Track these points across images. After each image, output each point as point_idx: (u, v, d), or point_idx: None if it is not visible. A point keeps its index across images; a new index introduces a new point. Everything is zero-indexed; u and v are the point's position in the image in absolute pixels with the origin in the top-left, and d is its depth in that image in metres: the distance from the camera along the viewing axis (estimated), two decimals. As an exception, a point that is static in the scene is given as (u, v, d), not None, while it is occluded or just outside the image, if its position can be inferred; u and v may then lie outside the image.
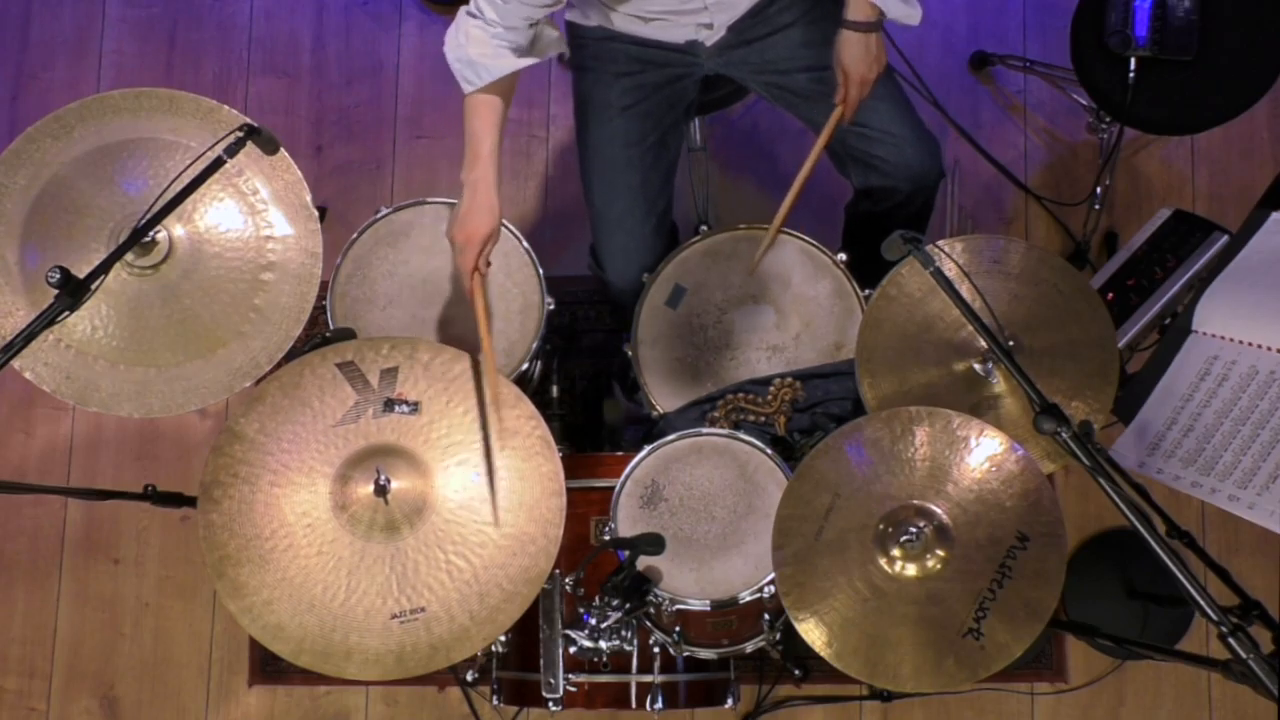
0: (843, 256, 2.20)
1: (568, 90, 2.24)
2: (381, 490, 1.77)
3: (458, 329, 2.18)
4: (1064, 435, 1.51)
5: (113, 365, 1.84)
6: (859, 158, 2.21)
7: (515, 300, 2.20)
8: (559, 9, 1.92)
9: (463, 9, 1.93)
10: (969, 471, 1.70)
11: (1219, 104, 2.34)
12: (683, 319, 2.22)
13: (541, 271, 2.20)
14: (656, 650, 2.05)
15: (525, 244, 2.21)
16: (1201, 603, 1.40)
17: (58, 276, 1.58)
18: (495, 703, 2.18)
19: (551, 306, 2.19)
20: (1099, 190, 2.71)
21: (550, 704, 1.98)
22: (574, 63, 2.21)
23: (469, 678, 2.42)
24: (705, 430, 2.03)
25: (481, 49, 1.91)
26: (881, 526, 1.70)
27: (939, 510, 1.69)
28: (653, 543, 1.86)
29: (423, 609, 1.75)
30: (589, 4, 2.11)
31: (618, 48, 2.15)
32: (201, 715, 2.73)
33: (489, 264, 1.99)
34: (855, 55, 2.00)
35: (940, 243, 1.83)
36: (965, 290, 1.75)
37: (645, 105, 2.18)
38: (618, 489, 1.99)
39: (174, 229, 1.84)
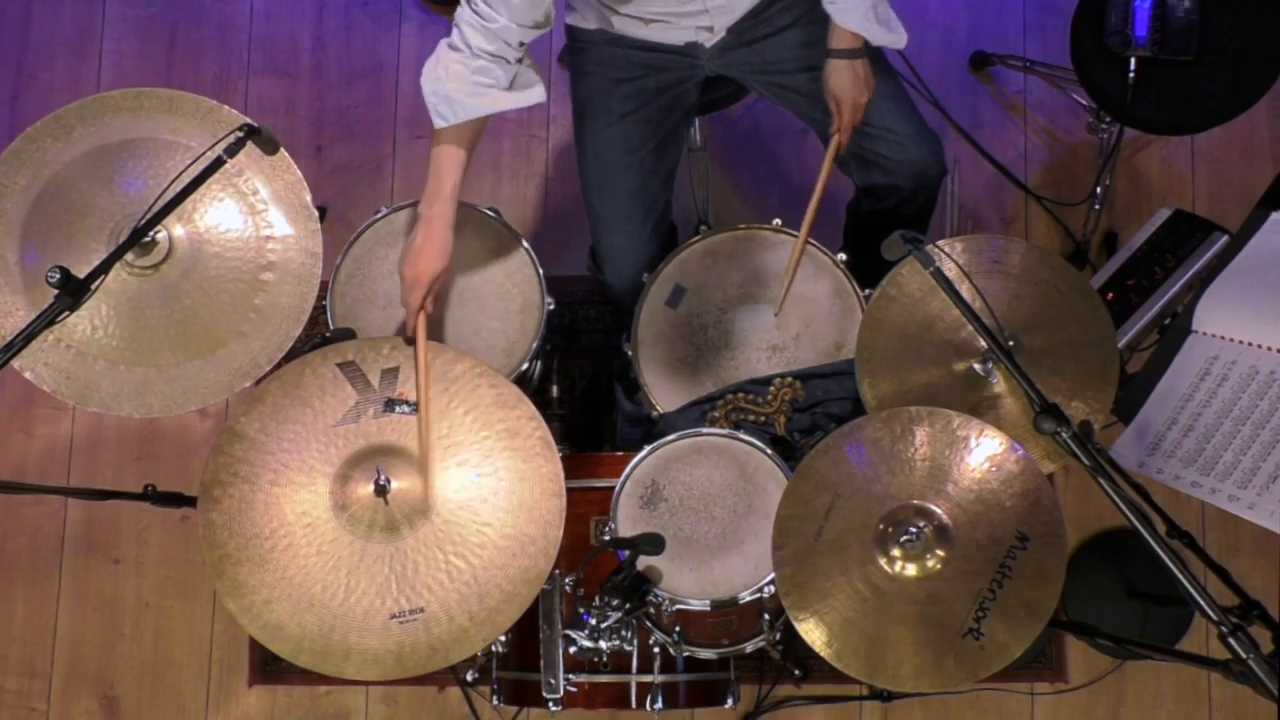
0: (843, 256, 2.20)
1: (568, 90, 2.24)
2: (381, 490, 1.77)
3: (458, 329, 2.18)
4: (1064, 435, 1.51)
5: (113, 365, 1.84)
6: (861, 155, 2.21)
7: (515, 300, 2.19)
8: (549, 30, 1.91)
9: (444, 41, 1.92)
10: (969, 471, 1.70)
11: (1219, 104, 2.34)
12: (683, 319, 2.22)
13: (541, 271, 2.19)
14: (656, 650, 2.05)
15: (525, 244, 2.21)
16: (1201, 603, 1.40)
17: (58, 276, 1.58)
18: (495, 703, 2.18)
19: (551, 306, 2.19)
20: (1099, 190, 2.71)
21: (550, 704, 1.98)
22: (574, 66, 2.21)
23: (469, 678, 2.42)
24: (705, 430, 2.03)
25: (460, 85, 1.90)
26: (881, 526, 1.69)
27: (939, 510, 1.69)
28: (653, 543, 1.86)
29: (422, 609, 1.75)
30: (589, 7, 2.11)
31: (618, 52, 2.14)
32: (201, 715, 2.73)
33: (433, 303, 1.97)
34: (844, 82, 2.04)
35: (940, 243, 1.83)
36: (965, 290, 1.75)
37: (645, 111, 2.18)
38: (618, 489, 1.99)
39: (174, 229, 1.83)
